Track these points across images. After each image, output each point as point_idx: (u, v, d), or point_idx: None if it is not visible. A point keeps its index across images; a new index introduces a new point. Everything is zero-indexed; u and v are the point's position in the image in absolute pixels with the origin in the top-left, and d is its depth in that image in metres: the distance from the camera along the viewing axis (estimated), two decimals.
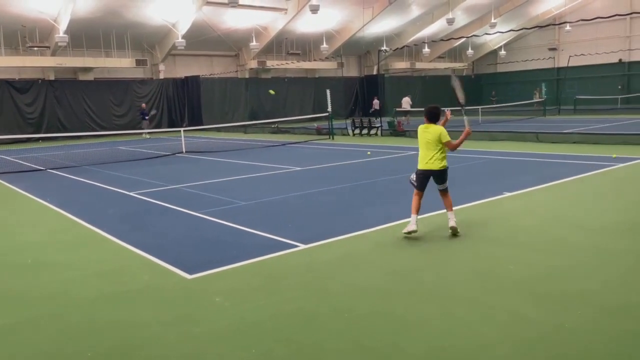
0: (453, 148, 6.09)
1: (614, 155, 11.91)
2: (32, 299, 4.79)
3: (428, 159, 6.03)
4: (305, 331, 3.90)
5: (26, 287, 5.09)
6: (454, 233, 6.05)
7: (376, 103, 34.28)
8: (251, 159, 14.82)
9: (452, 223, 6.04)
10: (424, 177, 6.11)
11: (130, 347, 3.74)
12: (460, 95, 6.63)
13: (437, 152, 6.01)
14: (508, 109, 32.58)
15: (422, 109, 6.43)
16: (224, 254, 5.81)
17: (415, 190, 6.17)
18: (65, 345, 3.82)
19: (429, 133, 6.02)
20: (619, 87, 38.60)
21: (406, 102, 29.38)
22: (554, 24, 36.94)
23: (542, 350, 3.44)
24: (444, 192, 6.18)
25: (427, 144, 6.03)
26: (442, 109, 6.27)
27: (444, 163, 6.07)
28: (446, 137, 5.98)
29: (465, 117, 6.61)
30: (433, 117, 6.09)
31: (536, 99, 36.01)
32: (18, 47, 25.96)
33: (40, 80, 27.15)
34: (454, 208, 6.23)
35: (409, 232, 6.00)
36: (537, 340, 3.56)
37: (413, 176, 6.21)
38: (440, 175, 6.08)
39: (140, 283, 5.05)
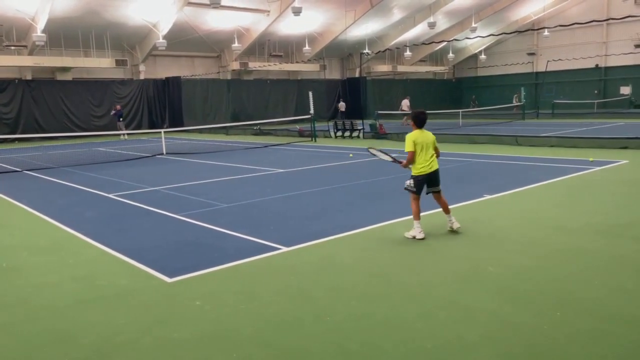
0: (438, 154, 6.45)
1: (591, 159, 12.13)
2: (5, 303, 4.67)
3: (429, 162, 6.24)
4: (286, 335, 3.87)
5: (0, 292, 4.96)
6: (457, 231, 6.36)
7: (342, 105, 34.53)
8: (233, 161, 14.73)
9: (457, 224, 6.37)
10: (424, 180, 6.28)
11: (107, 353, 3.67)
12: (386, 157, 6.78)
13: (433, 155, 6.31)
14: (488, 112, 32.99)
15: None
16: (205, 257, 5.75)
17: (413, 196, 6.28)
18: (40, 351, 3.73)
19: (426, 137, 6.26)
20: (595, 92, 39.40)
21: (405, 105, 29.94)
22: (532, 29, 37.57)
23: (521, 351, 3.47)
24: (439, 194, 6.43)
25: (427, 147, 6.23)
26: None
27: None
28: (436, 143, 6.38)
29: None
30: (423, 122, 6.31)
31: (515, 103, 36.54)
32: None
33: (17, 80, 26.62)
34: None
35: (422, 238, 6.15)
36: (516, 342, 3.59)
37: (410, 182, 6.28)
38: (438, 175, 6.36)
39: (118, 287, 4.96)
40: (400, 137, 19.99)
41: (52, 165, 15.00)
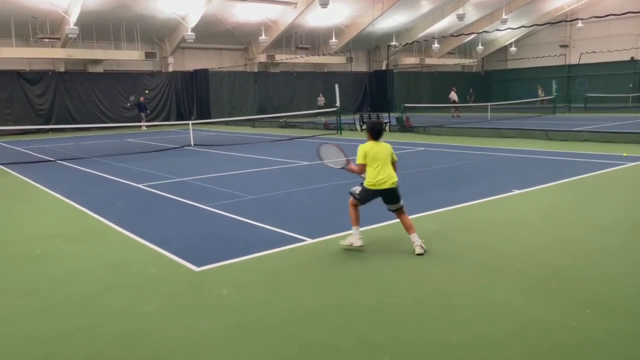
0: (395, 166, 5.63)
1: (625, 154, 11.80)
2: (38, 289, 4.82)
3: (380, 179, 5.43)
4: (310, 326, 3.90)
5: (33, 278, 5.13)
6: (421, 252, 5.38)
7: (321, 99, 33.93)
8: (259, 153, 14.83)
9: (418, 250, 5.35)
10: (373, 195, 5.54)
11: (135, 340, 3.76)
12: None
13: (387, 170, 5.49)
14: (517, 106, 32.38)
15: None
16: (232, 247, 5.83)
17: (353, 201, 5.61)
18: (71, 337, 3.84)
19: (379, 150, 5.51)
20: (631, 85, 38.22)
21: (453, 96, 29.94)
22: (565, 20, 36.52)
23: (549, 349, 3.42)
24: (400, 211, 5.57)
25: (379, 161, 5.46)
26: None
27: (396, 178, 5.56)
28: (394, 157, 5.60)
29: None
30: (379, 134, 5.64)
31: (540, 95, 35.75)
32: (29, 38, 26.12)
33: (50, 72, 27.30)
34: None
35: (360, 246, 5.49)
36: (544, 340, 3.54)
37: (357, 189, 5.60)
38: (394, 192, 5.50)
39: (147, 275, 5.07)
40: (426, 130, 19.80)
41: (84, 155, 15.36)
